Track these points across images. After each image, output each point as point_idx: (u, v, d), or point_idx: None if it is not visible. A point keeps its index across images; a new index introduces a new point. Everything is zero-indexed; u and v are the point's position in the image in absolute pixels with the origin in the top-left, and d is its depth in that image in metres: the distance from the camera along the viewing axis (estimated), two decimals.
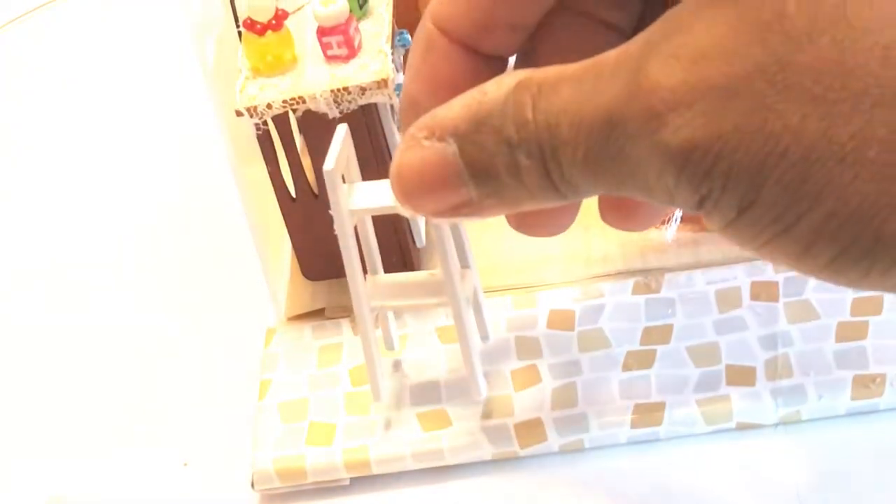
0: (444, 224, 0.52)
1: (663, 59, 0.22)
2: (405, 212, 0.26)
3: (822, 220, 0.21)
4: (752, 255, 0.23)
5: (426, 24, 0.27)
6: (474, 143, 0.24)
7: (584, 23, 0.28)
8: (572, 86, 0.23)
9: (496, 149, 0.24)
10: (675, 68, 0.21)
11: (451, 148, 0.24)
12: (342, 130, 0.53)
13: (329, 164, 0.52)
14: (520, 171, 0.24)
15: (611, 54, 0.23)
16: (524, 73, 0.24)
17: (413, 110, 0.27)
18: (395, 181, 0.25)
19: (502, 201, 0.25)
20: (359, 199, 0.54)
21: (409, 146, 0.25)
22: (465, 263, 0.57)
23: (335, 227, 0.53)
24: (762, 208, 0.21)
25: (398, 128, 0.58)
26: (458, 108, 0.25)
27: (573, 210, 0.28)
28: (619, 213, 0.28)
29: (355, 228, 0.54)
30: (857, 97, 0.20)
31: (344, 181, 0.53)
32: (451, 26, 0.27)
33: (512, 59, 0.28)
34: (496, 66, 0.27)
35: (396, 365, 0.61)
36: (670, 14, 0.22)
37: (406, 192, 0.25)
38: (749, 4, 0.21)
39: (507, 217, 0.27)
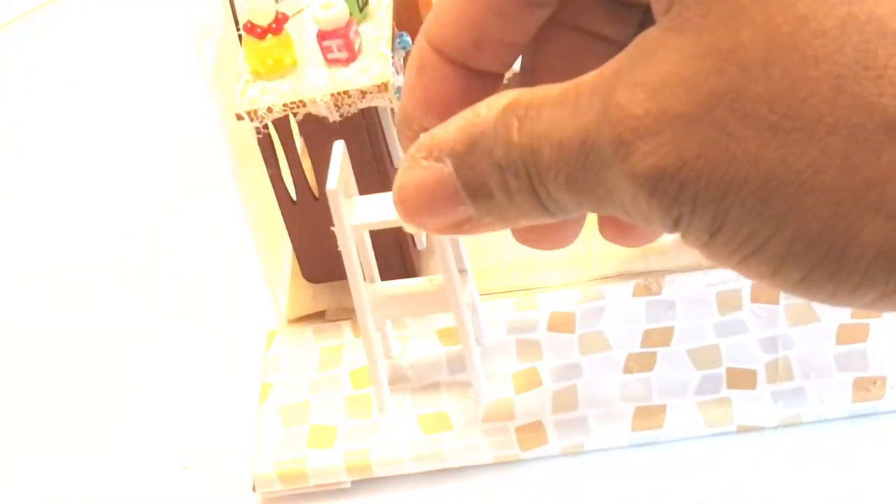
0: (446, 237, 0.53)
1: (630, 86, 0.22)
2: (409, 228, 0.26)
3: (787, 243, 0.21)
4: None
5: (420, 42, 0.27)
6: (468, 164, 0.25)
7: (579, 36, 0.28)
8: (553, 109, 0.23)
9: (488, 170, 0.24)
10: (640, 97, 0.22)
11: (448, 168, 0.25)
12: (339, 147, 0.54)
13: (332, 183, 0.52)
14: (511, 192, 0.24)
15: (588, 78, 0.23)
16: (513, 95, 0.24)
17: (409, 127, 0.28)
18: (397, 201, 0.26)
19: (499, 218, 0.25)
20: (360, 215, 0.54)
21: (409, 166, 0.26)
22: (461, 267, 0.57)
23: (339, 243, 0.53)
24: (730, 232, 0.22)
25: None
26: (453, 129, 0.25)
27: (577, 224, 0.28)
28: (616, 229, 0.28)
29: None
30: (811, 126, 0.20)
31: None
32: (444, 44, 0.27)
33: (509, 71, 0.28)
34: (490, 82, 0.27)
35: (397, 367, 0.61)
36: (640, 39, 0.23)
37: (408, 210, 0.26)
38: (708, 32, 0.21)
39: (512, 231, 0.27)
